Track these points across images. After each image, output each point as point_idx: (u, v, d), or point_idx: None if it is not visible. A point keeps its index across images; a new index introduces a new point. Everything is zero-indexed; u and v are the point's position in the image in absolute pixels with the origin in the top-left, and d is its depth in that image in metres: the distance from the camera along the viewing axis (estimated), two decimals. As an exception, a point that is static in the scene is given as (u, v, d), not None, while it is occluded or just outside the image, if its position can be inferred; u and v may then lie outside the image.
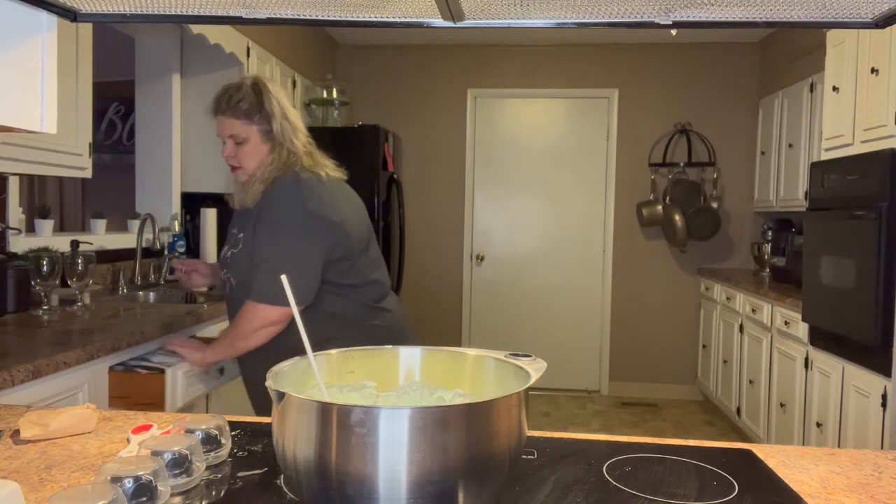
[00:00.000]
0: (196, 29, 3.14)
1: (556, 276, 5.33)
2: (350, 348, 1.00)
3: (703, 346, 5.00)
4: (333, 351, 0.98)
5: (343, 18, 0.94)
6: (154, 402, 1.89)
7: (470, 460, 0.74)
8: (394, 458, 0.71)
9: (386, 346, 1.03)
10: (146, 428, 1.04)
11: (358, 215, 1.85)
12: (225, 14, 0.93)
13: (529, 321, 5.32)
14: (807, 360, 3.21)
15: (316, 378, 0.89)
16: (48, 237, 2.67)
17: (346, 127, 4.41)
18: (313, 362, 0.89)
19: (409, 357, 1.00)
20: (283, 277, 0.92)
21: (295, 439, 0.74)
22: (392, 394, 0.97)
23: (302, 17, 0.94)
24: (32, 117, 0.89)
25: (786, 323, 3.47)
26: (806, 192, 3.63)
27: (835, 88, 3.06)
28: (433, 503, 0.72)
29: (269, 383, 0.80)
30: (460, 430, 0.73)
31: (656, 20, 0.89)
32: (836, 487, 0.94)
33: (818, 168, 3.13)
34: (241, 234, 1.79)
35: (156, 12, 0.93)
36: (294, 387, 0.85)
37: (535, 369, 0.86)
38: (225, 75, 3.54)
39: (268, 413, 0.84)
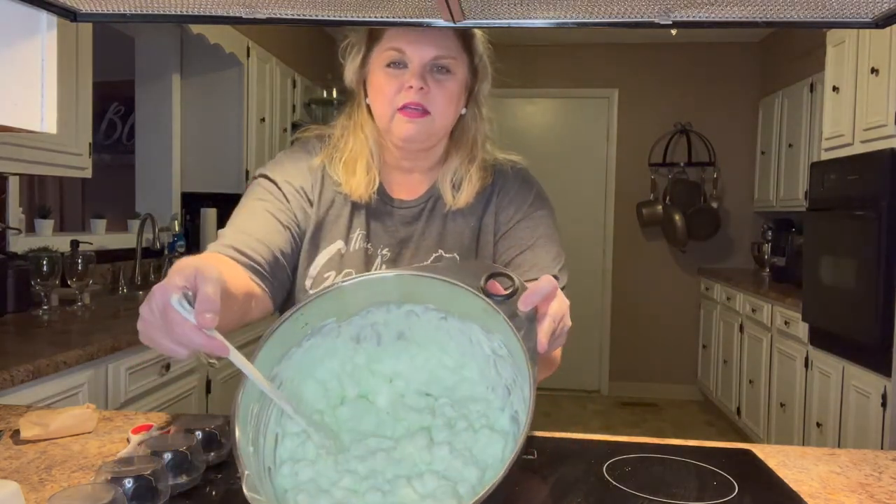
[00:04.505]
0: (196, 29, 3.14)
1: (556, 276, 5.32)
2: (297, 310, 0.81)
3: (703, 346, 5.00)
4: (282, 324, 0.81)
5: (343, 18, 0.94)
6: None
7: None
8: None
9: (330, 288, 0.84)
10: (146, 428, 1.04)
11: None
12: (225, 14, 0.93)
13: (529, 321, 5.32)
14: (807, 359, 3.21)
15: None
16: (48, 237, 2.67)
17: (346, 127, 4.40)
18: (261, 382, 0.74)
19: (364, 289, 0.85)
20: None
21: None
22: (356, 323, 0.86)
23: (302, 17, 0.94)
24: (32, 117, 0.89)
25: (786, 323, 3.46)
26: (806, 192, 3.62)
27: (835, 88, 3.06)
28: None
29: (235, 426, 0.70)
30: None
31: (656, 20, 0.89)
32: (836, 487, 0.94)
33: (818, 168, 3.13)
34: (456, 255, 1.17)
35: (156, 12, 0.93)
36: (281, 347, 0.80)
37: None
38: (225, 75, 3.54)
39: None
